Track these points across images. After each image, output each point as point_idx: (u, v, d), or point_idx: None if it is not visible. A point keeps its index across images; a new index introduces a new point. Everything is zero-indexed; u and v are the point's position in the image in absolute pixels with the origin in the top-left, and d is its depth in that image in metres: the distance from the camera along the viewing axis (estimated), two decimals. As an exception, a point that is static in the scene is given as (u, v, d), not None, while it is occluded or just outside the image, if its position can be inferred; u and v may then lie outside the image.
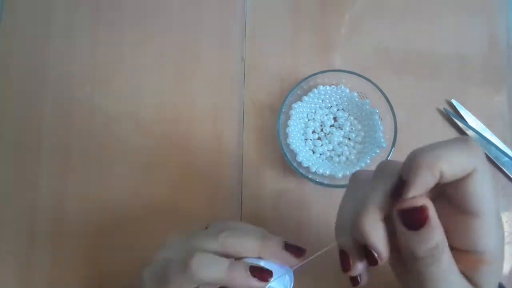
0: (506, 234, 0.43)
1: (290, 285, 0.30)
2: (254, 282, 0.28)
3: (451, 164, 0.21)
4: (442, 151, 0.21)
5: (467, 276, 0.22)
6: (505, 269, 0.42)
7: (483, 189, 0.21)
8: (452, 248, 0.22)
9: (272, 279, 0.28)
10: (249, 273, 0.28)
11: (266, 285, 0.28)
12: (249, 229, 0.31)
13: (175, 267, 0.28)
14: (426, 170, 0.21)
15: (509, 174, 0.43)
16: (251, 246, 0.30)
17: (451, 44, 0.47)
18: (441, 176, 0.21)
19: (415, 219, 0.21)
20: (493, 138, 0.44)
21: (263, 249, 0.29)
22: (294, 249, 0.30)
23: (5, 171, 0.46)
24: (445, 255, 0.21)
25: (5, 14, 0.49)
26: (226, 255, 0.29)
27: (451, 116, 0.44)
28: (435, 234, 0.21)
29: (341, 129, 0.43)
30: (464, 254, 0.22)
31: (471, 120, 0.45)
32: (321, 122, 0.44)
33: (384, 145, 0.41)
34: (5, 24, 0.49)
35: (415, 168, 0.22)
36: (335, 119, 0.44)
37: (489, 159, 0.44)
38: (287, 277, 0.29)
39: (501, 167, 0.43)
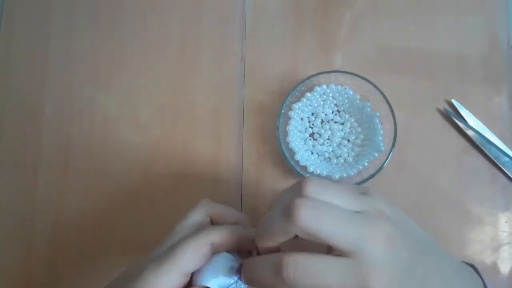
0: (505, 234, 0.43)
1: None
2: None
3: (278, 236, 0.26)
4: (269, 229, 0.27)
5: None
6: (505, 269, 0.43)
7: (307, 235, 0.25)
8: None
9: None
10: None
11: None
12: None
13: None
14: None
15: (509, 174, 0.43)
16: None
17: (451, 44, 0.47)
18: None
19: None
20: (493, 138, 0.44)
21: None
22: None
23: (5, 171, 0.46)
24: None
25: (5, 14, 0.49)
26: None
27: (451, 116, 0.44)
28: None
29: (341, 130, 0.43)
30: None
31: (471, 120, 0.45)
32: (321, 122, 0.44)
33: (382, 148, 0.41)
34: (5, 25, 0.49)
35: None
36: (334, 120, 0.44)
37: (489, 159, 0.44)
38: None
39: (501, 167, 0.43)
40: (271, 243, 0.27)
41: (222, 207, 0.35)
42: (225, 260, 0.30)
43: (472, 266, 0.32)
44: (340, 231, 0.24)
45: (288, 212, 0.25)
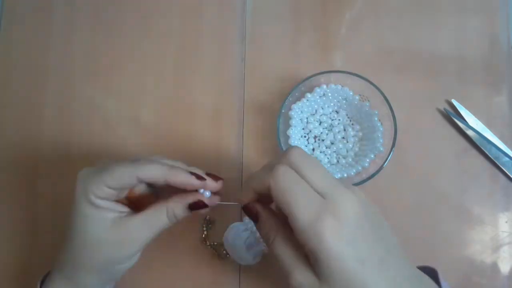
0: (506, 234, 0.43)
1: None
2: (193, 179, 0.33)
3: (257, 183, 0.31)
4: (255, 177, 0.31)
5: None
6: (505, 269, 0.43)
7: (275, 198, 0.29)
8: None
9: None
10: (188, 172, 0.33)
11: (204, 184, 0.33)
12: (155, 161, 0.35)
13: (115, 162, 0.32)
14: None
15: (509, 174, 0.43)
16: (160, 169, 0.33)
17: (452, 44, 0.47)
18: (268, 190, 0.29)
19: (250, 214, 0.32)
20: (493, 138, 0.44)
21: (170, 170, 0.33)
22: (196, 174, 0.34)
23: (5, 171, 0.46)
24: (275, 241, 0.30)
25: (5, 14, 0.49)
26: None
27: (451, 116, 0.44)
28: (263, 227, 0.31)
29: (341, 130, 0.43)
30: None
31: (471, 120, 0.45)
32: (320, 122, 0.44)
33: (381, 149, 0.41)
34: (5, 25, 0.49)
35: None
36: (334, 119, 0.44)
37: (489, 159, 0.44)
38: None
39: (501, 167, 0.43)
40: (254, 187, 0.31)
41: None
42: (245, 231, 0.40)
43: (433, 270, 0.32)
44: (297, 205, 0.27)
45: (270, 168, 0.29)
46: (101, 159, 0.38)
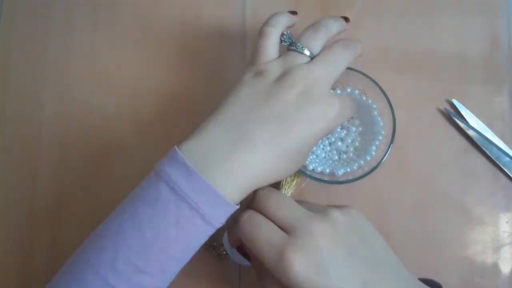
0: (506, 234, 0.43)
1: None
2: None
3: (232, 235, 0.35)
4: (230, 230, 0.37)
5: None
6: (506, 269, 0.42)
7: (248, 246, 0.32)
8: None
9: None
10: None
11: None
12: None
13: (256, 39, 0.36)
14: None
15: (510, 174, 0.43)
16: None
17: (452, 44, 0.47)
18: None
19: (244, 255, 0.36)
20: (494, 138, 0.44)
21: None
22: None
23: (5, 171, 0.46)
24: (264, 280, 0.31)
25: (5, 13, 0.49)
26: None
27: (451, 116, 0.44)
28: (254, 266, 0.34)
29: (341, 128, 0.43)
30: None
31: (472, 120, 0.44)
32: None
33: (382, 132, 0.40)
34: (4, 24, 0.49)
35: None
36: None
37: (490, 159, 0.44)
38: None
39: (502, 167, 0.43)
40: (232, 242, 0.34)
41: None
42: None
43: (439, 286, 0.32)
44: (261, 246, 0.28)
45: (238, 217, 0.31)
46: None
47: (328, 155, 0.43)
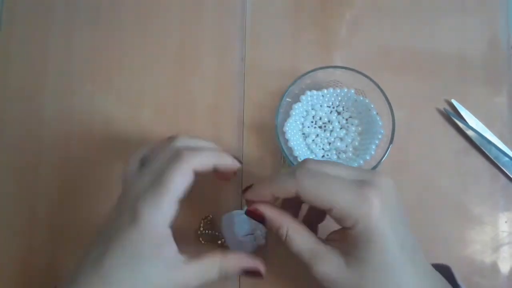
0: (505, 234, 0.43)
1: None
2: (237, 163, 0.34)
3: (279, 190, 0.30)
4: (275, 181, 0.30)
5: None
6: (505, 269, 0.43)
7: (308, 198, 0.28)
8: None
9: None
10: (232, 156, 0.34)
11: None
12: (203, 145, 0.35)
13: (168, 164, 0.30)
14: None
15: (509, 174, 0.43)
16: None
17: (451, 44, 0.47)
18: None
19: (255, 217, 0.31)
20: (493, 138, 0.44)
21: (219, 155, 0.34)
22: (238, 159, 0.36)
23: (5, 171, 0.46)
24: (288, 236, 0.29)
25: (5, 14, 0.49)
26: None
27: (451, 116, 0.44)
28: (272, 225, 0.30)
29: (341, 128, 0.43)
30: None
31: (471, 120, 0.45)
32: (320, 119, 0.44)
33: (382, 131, 0.41)
34: (5, 24, 0.49)
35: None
36: (332, 115, 0.44)
37: (489, 159, 0.44)
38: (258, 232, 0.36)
39: (501, 167, 0.43)
40: (274, 192, 0.30)
41: (196, 141, 0.35)
42: (245, 220, 0.39)
43: (447, 267, 0.33)
44: (336, 194, 0.27)
45: (290, 174, 0.29)
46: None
47: (327, 155, 0.43)
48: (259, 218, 0.31)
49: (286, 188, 0.29)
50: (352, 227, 0.27)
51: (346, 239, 0.28)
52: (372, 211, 0.26)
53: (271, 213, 0.31)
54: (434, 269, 0.31)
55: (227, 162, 0.34)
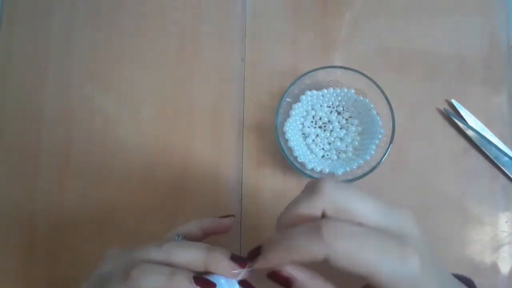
0: (505, 234, 0.43)
1: None
2: (237, 267, 0.27)
3: (301, 256, 0.24)
4: (293, 244, 0.24)
5: None
6: (505, 269, 0.43)
7: (343, 264, 0.23)
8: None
9: None
10: (192, 281, 0.26)
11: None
12: (192, 243, 0.29)
13: (116, 278, 0.27)
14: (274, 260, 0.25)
15: (509, 174, 0.43)
16: (198, 255, 0.27)
17: (451, 44, 0.47)
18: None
19: (279, 281, 0.26)
20: (493, 138, 0.44)
21: (210, 259, 0.27)
22: (240, 259, 0.27)
23: (5, 171, 0.46)
24: None
25: (5, 14, 0.49)
26: (171, 266, 0.27)
27: (451, 116, 0.44)
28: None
29: (341, 128, 0.43)
30: None
31: (471, 120, 0.45)
32: (320, 119, 0.44)
33: (382, 131, 0.41)
34: (5, 24, 0.49)
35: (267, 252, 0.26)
36: (333, 116, 0.44)
37: (489, 159, 0.44)
38: None
39: (501, 167, 0.43)
40: (297, 260, 0.24)
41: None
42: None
43: (469, 280, 0.31)
44: (373, 259, 0.23)
45: (314, 231, 0.23)
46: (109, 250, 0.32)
47: (327, 155, 0.43)
48: (283, 281, 0.25)
49: (311, 253, 0.23)
50: None
51: None
52: (415, 273, 0.23)
53: (302, 275, 0.25)
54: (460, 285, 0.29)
55: (220, 268, 0.27)
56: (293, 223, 0.25)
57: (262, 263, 0.26)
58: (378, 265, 0.23)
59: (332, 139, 0.43)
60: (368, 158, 0.41)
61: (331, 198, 0.24)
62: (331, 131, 0.44)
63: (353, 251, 0.23)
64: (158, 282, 0.26)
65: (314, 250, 0.23)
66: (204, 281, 0.26)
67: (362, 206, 0.25)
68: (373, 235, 0.24)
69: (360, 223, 0.24)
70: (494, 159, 0.43)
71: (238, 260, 0.27)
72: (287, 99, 0.42)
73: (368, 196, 0.26)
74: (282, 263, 0.25)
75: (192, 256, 0.27)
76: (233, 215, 0.35)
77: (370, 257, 0.23)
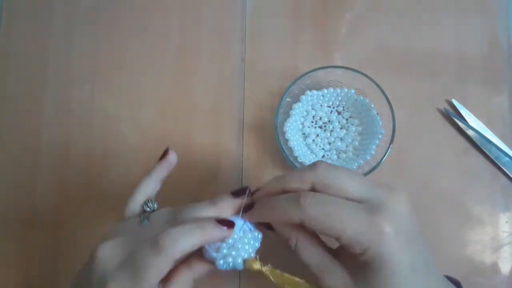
0: (506, 234, 0.43)
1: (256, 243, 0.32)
2: (225, 230, 0.29)
3: (280, 216, 0.29)
4: (276, 205, 0.29)
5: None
6: (505, 269, 0.42)
7: (315, 227, 0.27)
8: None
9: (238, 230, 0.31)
10: (217, 223, 0.29)
11: (232, 231, 0.30)
12: (198, 204, 0.32)
13: (145, 251, 0.28)
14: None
15: (509, 174, 0.43)
16: (209, 209, 0.31)
17: (452, 44, 0.47)
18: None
19: (262, 224, 0.31)
20: (494, 138, 0.44)
21: (218, 207, 0.31)
22: (240, 192, 0.32)
23: (5, 171, 0.46)
24: (297, 245, 0.29)
25: (5, 14, 0.49)
26: None
27: (451, 116, 0.44)
28: (282, 235, 0.30)
29: (340, 128, 0.43)
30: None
31: (472, 120, 0.45)
32: (320, 119, 0.44)
33: (382, 131, 0.41)
34: (5, 24, 0.49)
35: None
36: (333, 116, 0.44)
37: (489, 159, 0.44)
38: (255, 235, 0.31)
39: (502, 167, 0.43)
40: (278, 220, 0.30)
41: None
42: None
43: (457, 282, 0.32)
44: (342, 222, 0.26)
45: (295, 199, 0.27)
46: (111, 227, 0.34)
47: (328, 155, 0.43)
48: (266, 225, 0.31)
49: (288, 215, 0.28)
50: (362, 254, 0.26)
51: (355, 259, 0.27)
52: (383, 240, 0.26)
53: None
54: (447, 282, 0.30)
55: (215, 236, 0.29)
56: (283, 191, 0.29)
57: (252, 218, 0.31)
58: (344, 228, 0.26)
59: (332, 139, 0.43)
60: (368, 158, 0.41)
61: (321, 174, 0.28)
62: (331, 131, 0.43)
63: (323, 216, 0.26)
64: (194, 239, 0.28)
65: (292, 213, 0.27)
66: (226, 221, 0.30)
67: (350, 183, 0.28)
68: (345, 204, 0.27)
69: (347, 197, 0.27)
70: (494, 159, 0.43)
71: (239, 192, 0.32)
72: (287, 99, 0.42)
73: (357, 175, 0.29)
74: (266, 218, 0.30)
75: (203, 212, 0.31)
76: (171, 150, 0.36)
77: (338, 221, 0.26)
